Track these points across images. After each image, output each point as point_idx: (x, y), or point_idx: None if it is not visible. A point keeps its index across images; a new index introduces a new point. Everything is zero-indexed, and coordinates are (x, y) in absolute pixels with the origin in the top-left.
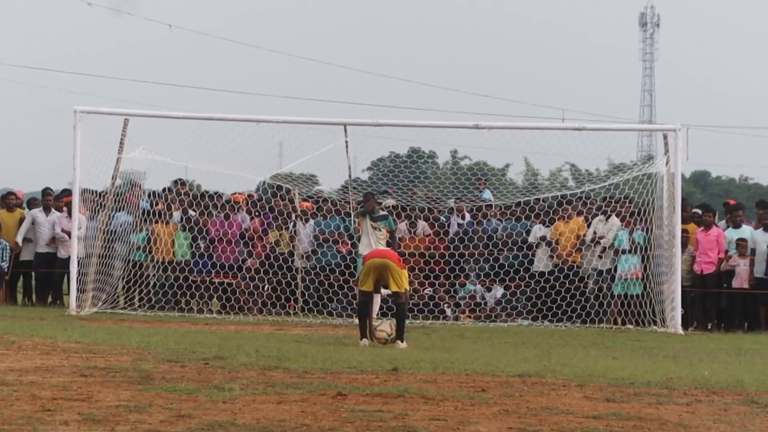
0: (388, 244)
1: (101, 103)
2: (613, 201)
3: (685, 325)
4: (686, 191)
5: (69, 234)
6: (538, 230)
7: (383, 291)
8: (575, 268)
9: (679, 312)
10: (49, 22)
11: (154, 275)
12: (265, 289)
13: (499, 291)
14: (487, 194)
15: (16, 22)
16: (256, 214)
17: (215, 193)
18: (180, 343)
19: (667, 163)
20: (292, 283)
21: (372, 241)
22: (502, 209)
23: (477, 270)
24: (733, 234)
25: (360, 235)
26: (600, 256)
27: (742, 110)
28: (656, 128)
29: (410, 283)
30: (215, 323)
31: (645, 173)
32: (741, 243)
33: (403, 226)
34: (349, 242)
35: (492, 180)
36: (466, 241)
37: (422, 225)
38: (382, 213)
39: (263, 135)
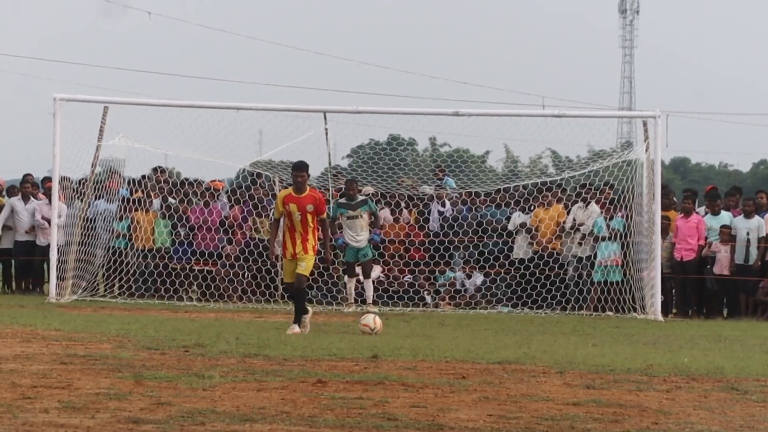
0: (371, 228)
1: (81, 91)
2: (593, 188)
3: (665, 311)
4: (666, 178)
5: (49, 221)
6: (517, 217)
7: (362, 278)
8: (555, 255)
9: (659, 299)
10: (28, 9)
11: (134, 263)
12: (245, 276)
13: (479, 278)
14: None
15: None
16: (236, 201)
17: (195, 180)
18: (160, 331)
19: (646, 150)
20: (272, 271)
21: (350, 231)
22: (483, 197)
23: (457, 257)
24: (712, 221)
25: (339, 222)
26: (580, 243)
27: (721, 97)
28: (636, 115)
29: (390, 270)
30: (195, 311)
31: (625, 160)
32: (724, 230)
33: (386, 212)
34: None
35: (472, 167)
36: (446, 229)
37: (405, 212)
38: (360, 198)
39: (243, 122)
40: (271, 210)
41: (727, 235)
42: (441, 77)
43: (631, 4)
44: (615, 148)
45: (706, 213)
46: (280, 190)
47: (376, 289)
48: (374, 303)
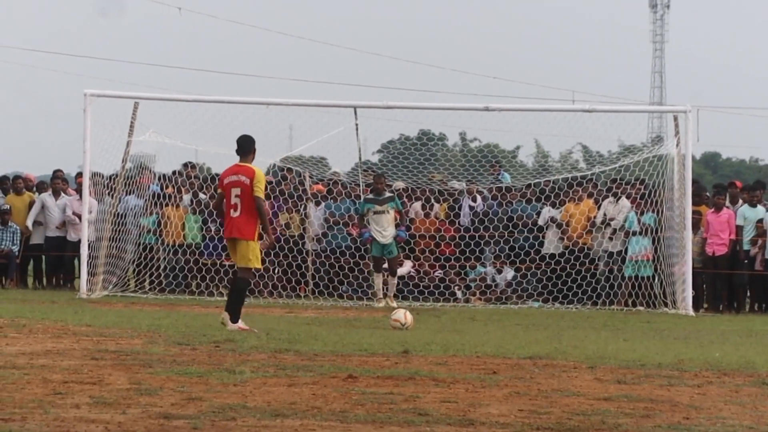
0: (397, 225)
1: (111, 87)
2: (624, 183)
3: (696, 306)
4: (697, 173)
5: (79, 217)
6: (548, 212)
7: (384, 274)
8: (586, 250)
9: (689, 293)
10: (59, 5)
11: (164, 258)
12: (276, 271)
13: (509, 273)
14: (506, 177)
15: (26, 6)
16: (266, 197)
17: None
18: (190, 326)
19: (677, 145)
20: (303, 266)
21: (376, 227)
22: (514, 192)
23: (488, 252)
24: (749, 212)
25: (367, 218)
26: (610, 238)
27: (752, 91)
28: (667, 110)
29: (420, 265)
30: None
31: (655, 155)
32: (759, 225)
33: (417, 206)
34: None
35: (502, 162)
36: (476, 224)
37: (436, 207)
38: (388, 194)
39: (273, 118)
40: (301, 206)
41: (762, 229)
42: (471, 72)
43: None
44: (645, 143)
45: (743, 204)
46: (310, 186)
47: (406, 284)
48: (395, 297)
